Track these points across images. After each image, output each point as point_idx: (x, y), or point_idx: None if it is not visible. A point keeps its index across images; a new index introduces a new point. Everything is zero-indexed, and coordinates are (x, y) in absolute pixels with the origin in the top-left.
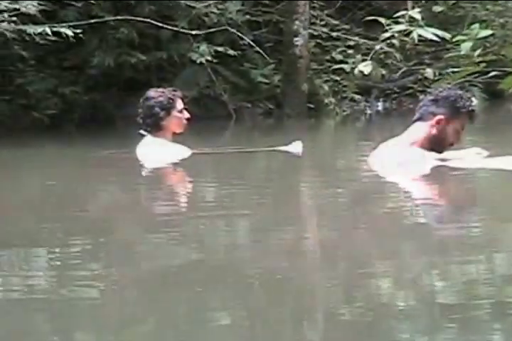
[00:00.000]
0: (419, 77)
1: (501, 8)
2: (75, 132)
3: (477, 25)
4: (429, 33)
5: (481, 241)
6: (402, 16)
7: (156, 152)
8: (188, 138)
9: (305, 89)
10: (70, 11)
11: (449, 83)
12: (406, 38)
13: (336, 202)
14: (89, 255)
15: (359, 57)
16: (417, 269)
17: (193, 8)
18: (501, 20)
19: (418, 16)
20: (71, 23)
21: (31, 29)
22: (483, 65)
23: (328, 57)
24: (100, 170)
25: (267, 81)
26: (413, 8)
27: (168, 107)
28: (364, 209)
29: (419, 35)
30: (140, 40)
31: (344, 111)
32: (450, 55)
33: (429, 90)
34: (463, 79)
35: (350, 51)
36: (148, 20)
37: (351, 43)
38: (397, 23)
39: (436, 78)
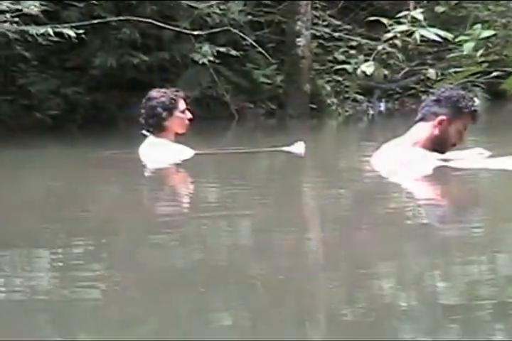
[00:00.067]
0: (422, 77)
1: (503, 9)
2: (78, 132)
3: (479, 25)
4: (432, 33)
5: (484, 241)
6: (405, 17)
7: (158, 152)
8: (191, 139)
9: (307, 90)
10: (72, 12)
11: (451, 83)
12: (408, 39)
13: (338, 203)
14: (92, 256)
15: (361, 57)
16: (419, 270)
17: (195, 8)
18: (503, 21)
19: (420, 17)
20: (73, 24)
21: (33, 30)
22: (486, 65)
23: (330, 58)
24: (102, 170)
25: (269, 81)
26: (415, 8)
27: (170, 108)
28: (366, 210)
29: (422, 36)
30: (142, 41)
31: (346, 111)
32: (452, 55)
33: (431, 90)
34: (465, 80)
35: (352, 51)
36: (150, 20)
37: (353, 44)
38: (400, 23)
39: (438, 78)
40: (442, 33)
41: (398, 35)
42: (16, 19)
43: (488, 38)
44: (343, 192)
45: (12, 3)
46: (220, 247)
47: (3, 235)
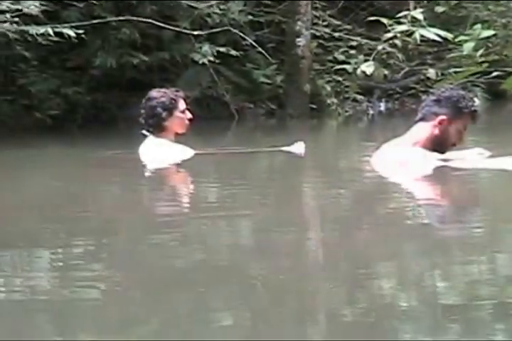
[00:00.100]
0: (422, 77)
1: (503, 9)
2: (78, 132)
3: (479, 25)
4: (432, 33)
5: (483, 241)
6: (405, 17)
7: (158, 152)
8: (191, 139)
9: (307, 90)
10: (72, 12)
11: (451, 83)
12: (408, 39)
13: (338, 203)
14: (92, 256)
15: (361, 57)
16: (419, 270)
17: (195, 8)
18: (503, 21)
19: (420, 17)
20: (73, 24)
21: (33, 30)
22: (486, 65)
23: (330, 58)
24: (102, 170)
25: (269, 81)
26: (415, 8)
27: (170, 108)
28: (366, 210)
29: (422, 36)
30: (142, 41)
31: (346, 111)
32: (452, 55)
33: (431, 90)
34: (465, 80)
35: (352, 51)
36: (150, 20)
37: (353, 44)
38: (400, 23)
39: (438, 78)
40: (442, 33)
41: (398, 35)
42: (16, 19)
43: (488, 38)
44: (343, 192)
45: (12, 3)
46: (220, 247)
47: (3, 235)
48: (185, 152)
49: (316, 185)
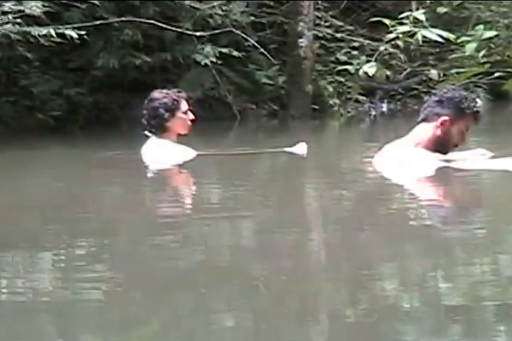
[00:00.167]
0: (424, 78)
1: (506, 9)
2: (80, 133)
3: (481, 26)
4: (434, 34)
5: (486, 242)
6: (407, 17)
7: (160, 153)
8: (193, 140)
9: (309, 91)
10: (74, 13)
11: (453, 84)
12: (410, 39)
13: (341, 204)
14: (93, 257)
15: (363, 58)
16: (421, 271)
17: (198, 9)
18: (506, 21)
19: (422, 17)
20: (75, 25)
21: (36, 31)
22: (488, 65)
23: (332, 59)
24: (104, 171)
25: (271, 82)
26: (417, 9)
27: (172, 108)
28: (368, 211)
29: (424, 37)
30: (144, 42)
31: (349, 112)
32: (454, 56)
33: (433, 91)
34: (467, 80)
35: (354, 52)
36: (153, 21)
37: (356, 44)
38: (402, 24)
39: (440, 79)
40: (444, 33)
41: (400, 35)
42: (19, 20)
43: (490, 38)
44: (345, 193)
45: (14, 4)
46: (222, 248)
47: (4, 235)
48: (188, 153)
49: (318, 185)
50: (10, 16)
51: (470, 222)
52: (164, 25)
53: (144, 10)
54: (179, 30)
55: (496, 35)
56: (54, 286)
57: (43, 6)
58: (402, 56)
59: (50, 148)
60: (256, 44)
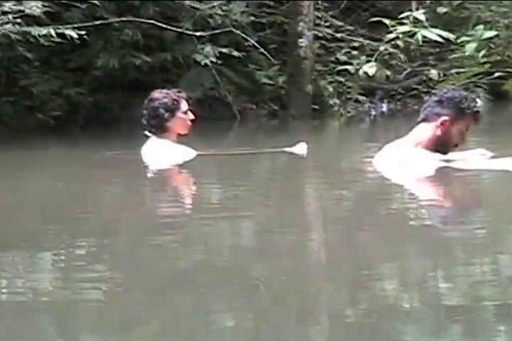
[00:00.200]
0: (424, 78)
1: (506, 9)
2: (80, 133)
3: (481, 26)
4: (434, 34)
5: (486, 242)
6: (407, 17)
7: (160, 153)
8: (193, 140)
9: (309, 91)
10: (74, 13)
11: (453, 84)
12: (410, 39)
13: (341, 204)
14: (93, 257)
15: (363, 58)
16: (421, 271)
17: (198, 9)
18: (506, 21)
19: (422, 17)
20: (75, 25)
21: (36, 31)
22: (488, 65)
23: (332, 59)
24: (104, 171)
25: (271, 82)
26: (417, 9)
27: (172, 108)
28: (368, 211)
29: (424, 37)
30: (144, 42)
31: (349, 112)
32: (454, 56)
33: (433, 91)
34: (467, 80)
35: (354, 52)
36: (153, 21)
37: (356, 44)
38: (402, 24)
39: (440, 79)
40: (444, 33)
41: (400, 35)
42: (19, 20)
43: (490, 38)
44: (345, 193)
45: (14, 4)
46: (222, 248)
47: (4, 235)
48: (188, 153)
49: (318, 185)
50: (10, 16)
51: (470, 222)
52: (164, 25)
53: (144, 10)
54: (179, 30)
55: (496, 35)
56: (54, 286)
57: (43, 6)
58: (402, 56)
59: (50, 148)
60: (256, 44)
